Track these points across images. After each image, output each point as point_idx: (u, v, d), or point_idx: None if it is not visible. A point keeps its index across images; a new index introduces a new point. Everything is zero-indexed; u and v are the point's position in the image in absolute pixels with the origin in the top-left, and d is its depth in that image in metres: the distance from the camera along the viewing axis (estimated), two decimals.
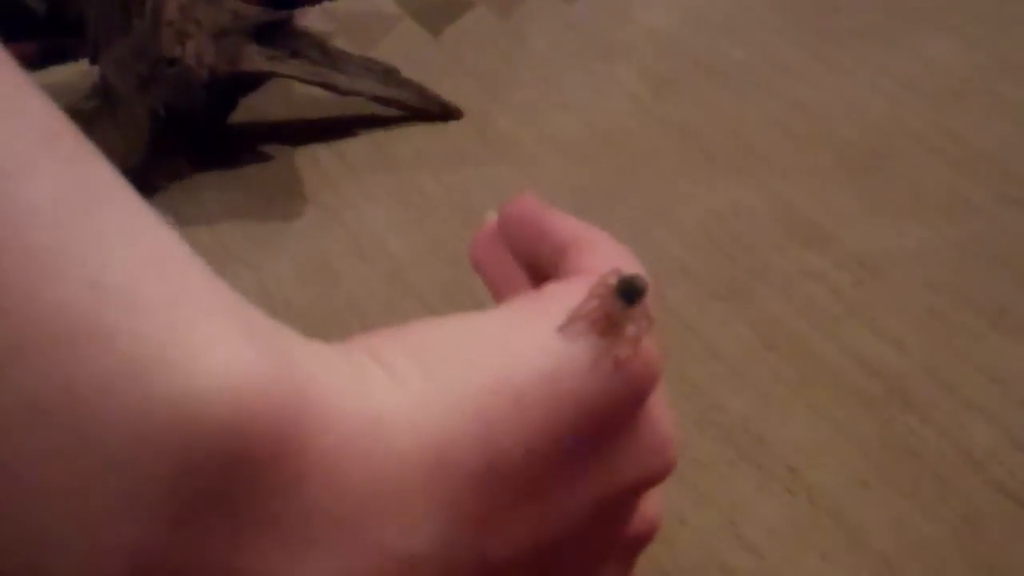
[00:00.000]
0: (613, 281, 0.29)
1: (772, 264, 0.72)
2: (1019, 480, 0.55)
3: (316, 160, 0.88)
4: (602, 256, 0.33)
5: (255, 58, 0.84)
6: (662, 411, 0.30)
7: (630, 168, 0.83)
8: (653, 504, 0.32)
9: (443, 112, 0.90)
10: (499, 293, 0.38)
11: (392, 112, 0.90)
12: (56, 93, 0.24)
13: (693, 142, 0.85)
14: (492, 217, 0.39)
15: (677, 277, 0.71)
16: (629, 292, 0.28)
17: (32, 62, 0.92)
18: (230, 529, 0.22)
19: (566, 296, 0.28)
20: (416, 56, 0.97)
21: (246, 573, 0.22)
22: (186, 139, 0.87)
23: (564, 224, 0.36)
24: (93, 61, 0.86)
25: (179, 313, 0.21)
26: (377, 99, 0.89)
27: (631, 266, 0.32)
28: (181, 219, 0.82)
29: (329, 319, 0.72)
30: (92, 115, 0.84)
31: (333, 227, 0.80)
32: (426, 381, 0.26)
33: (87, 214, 0.22)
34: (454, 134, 0.89)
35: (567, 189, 0.81)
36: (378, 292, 0.74)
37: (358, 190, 0.84)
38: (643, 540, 0.32)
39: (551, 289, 0.31)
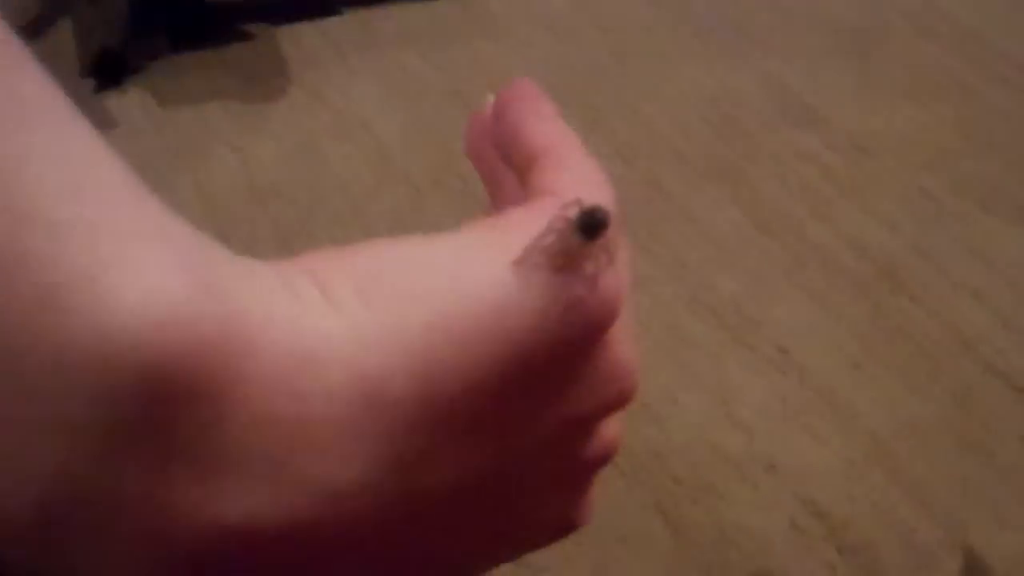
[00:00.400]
0: (573, 214, 0.27)
1: (764, 145, 0.71)
2: (1008, 360, 0.56)
3: (299, 39, 0.86)
4: (569, 176, 0.32)
5: None
6: (622, 340, 0.29)
7: (621, 48, 0.82)
8: (612, 427, 0.31)
9: None
10: (490, 186, 0.37)
11: None
12: None
13: (686, 22, 0.83)
14: (490, 102, 0.37)
15: (668, 158, 0.70)
16: (589, 226, 0.27)
17: None
18: (150, 461, 0.21)
19: (525, 225, 0.27)
20: None
21: (167, 505, 0.22)
22: (166, 18, 0.85)
23: (538, 130, 0.34)
24: None
25: (103, 240, 0.20)
26: None
27: (598, 189, 0.30)
28: (162, 99, 0.80)
29: (315, 202, 0.71)
30: None
31: (317, 108, 0.79)
32: (366, 312, 0.25)
33: (10, 132, 0.21)
34: (441, 12, 0.87)
35: (556, 68, 0.79)
36: (364, 174, 0.73)
37: (343, 70, 0.82)
38: (600, 463, 0.32)
39: (511, 217, 0.30)
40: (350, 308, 0.25)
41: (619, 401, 0.29)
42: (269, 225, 0.72)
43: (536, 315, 0.26)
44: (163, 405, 0.21)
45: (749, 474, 0.51)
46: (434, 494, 0.26)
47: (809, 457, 0.51)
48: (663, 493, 0.50)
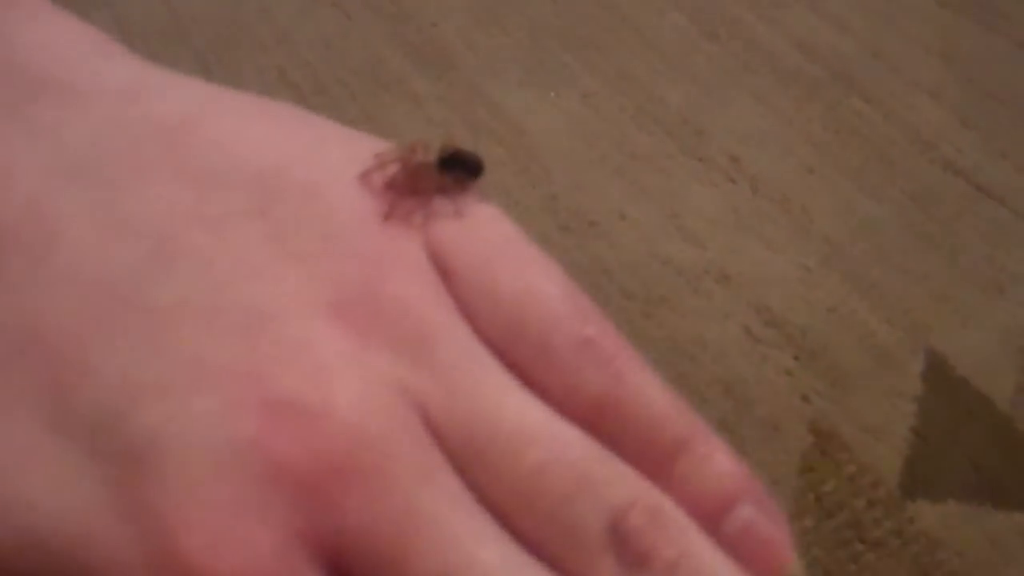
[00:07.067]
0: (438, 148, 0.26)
1: None
2: (968, 157, 0.54)
3: None
4: None
5: None
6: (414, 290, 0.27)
7: None
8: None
9: None
10: None
11: None
12: None
13: None
14: None
15: None
16: (451, 161, 0.25)
17: None
18: None
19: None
20: None
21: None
22: None
23: None
24: None
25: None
26: None
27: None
28: None
29: (238, 30, 0.67)
30: None
31: None
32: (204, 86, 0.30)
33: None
34: None
35: None
36: None
37: None
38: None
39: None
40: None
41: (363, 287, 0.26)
42: (192, 57, 0.68)
43: (346, 197, 0.24)
44: None
45: (702, 286, 0.49)
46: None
47: (763, 266, 0.49)
48: (614, 309, 0.48)
